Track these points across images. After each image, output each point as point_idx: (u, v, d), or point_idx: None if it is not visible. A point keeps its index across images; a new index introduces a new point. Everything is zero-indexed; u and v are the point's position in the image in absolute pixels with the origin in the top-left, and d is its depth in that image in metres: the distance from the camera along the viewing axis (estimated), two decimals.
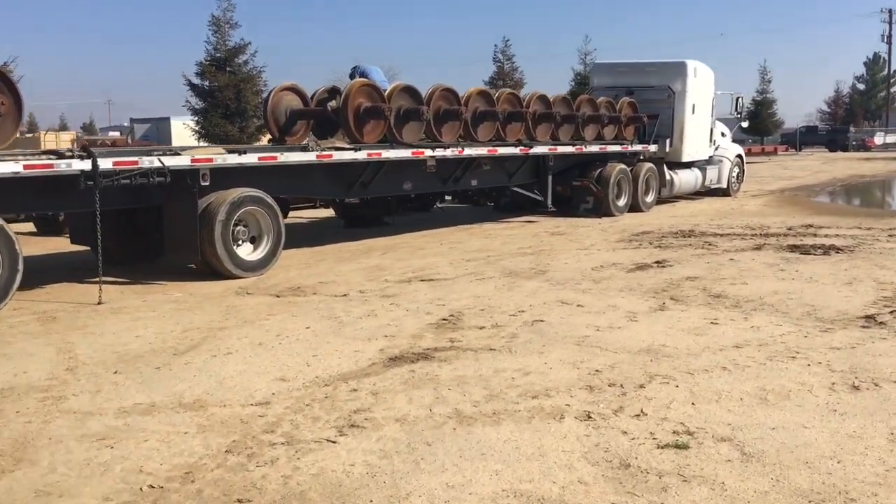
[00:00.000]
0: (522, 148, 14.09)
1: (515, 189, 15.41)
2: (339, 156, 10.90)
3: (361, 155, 11.18)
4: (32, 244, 11.82)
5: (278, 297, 8.35)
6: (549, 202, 15.51)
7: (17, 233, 11.88)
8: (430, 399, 5.00)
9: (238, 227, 9.58)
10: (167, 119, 37.93)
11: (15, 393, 5.22)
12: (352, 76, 12.95)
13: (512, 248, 11.64)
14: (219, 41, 32.98)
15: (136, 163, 8.57)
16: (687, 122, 18.01)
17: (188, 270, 9.54)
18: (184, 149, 9.70)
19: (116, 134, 43.19)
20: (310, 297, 8.30)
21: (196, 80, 32.49)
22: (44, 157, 8.08)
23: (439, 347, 6.17)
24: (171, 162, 8.88)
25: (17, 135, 8.31)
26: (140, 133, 41.18)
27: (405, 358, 5.89)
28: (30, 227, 13.75)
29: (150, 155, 8.81)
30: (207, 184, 9.35)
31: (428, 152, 12.22)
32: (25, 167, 7.72)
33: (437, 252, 11.35)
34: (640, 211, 16.81)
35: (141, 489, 3.77)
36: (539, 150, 14.56)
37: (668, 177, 18.14)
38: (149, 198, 9.16)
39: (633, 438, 4.32)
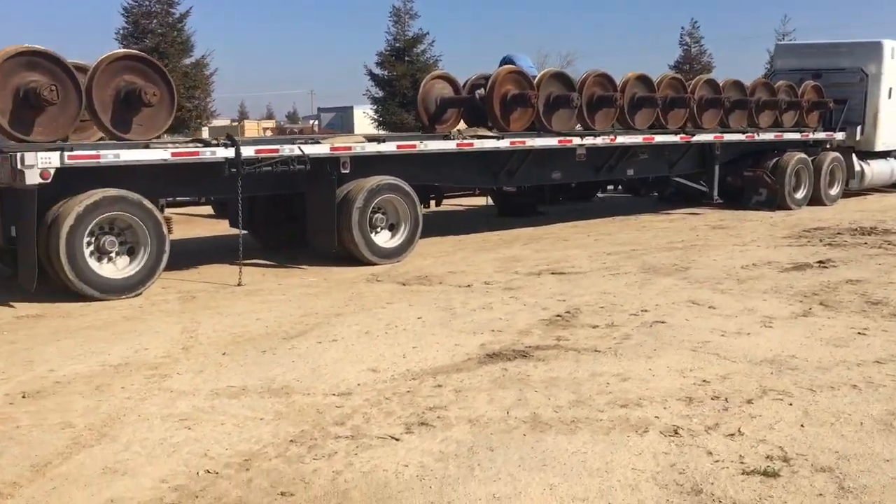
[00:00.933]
0: (683, 136, 13.31)
1: (678, 179, 14.63)
2: (480, 144, 10.77)
3: (504, 143, 10.99)
4: (205, 225, 12.58)
5: (404, 285, 8.38)
6: (716, 194, 14.58)
7: (197, 215, 12.97)
8: (511, 400, 4.77)
9: (376, 215, 9.72)
10: (350, 108, 39.47)
11: (129, 369, 5.53)
12: (501, 65, 12.76)
13: (661, 241, 11.03)
14: (398, 31, 33.83)
15: (276, 151, 8.88)
16: (881, 108, 16.32)
17: (331, 256, 9.78)
18: (325, 137, 9.95)
19: (314, 122, 45.50)
20: (434, 286, 8.26)
21: (376, 70, 33.53)
22: (191, 144, 8.55)
23: (542, 346, 5.90)
24: (310, 150, 9.12)
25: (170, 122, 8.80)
26: (326, 121, 43.16)
27: (503, 355, 5.69)
28: (209, 209, 14.71)
29: (292, 143, 9.09)
30: (348, 171, 9.55)
31: (576, 140, 11.83)
32: (173, 154, 8.20)
33: (581, 244, 10.97)
34: (823, 204, 15.46)
35: (197, 473, 3.84)
36: (703, 137, 13.70)
37: (857, 167, 16.56)
38: (294, 185, 9.46)
39: (716, 461, 3.89)
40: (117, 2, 28.67)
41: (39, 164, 7.35)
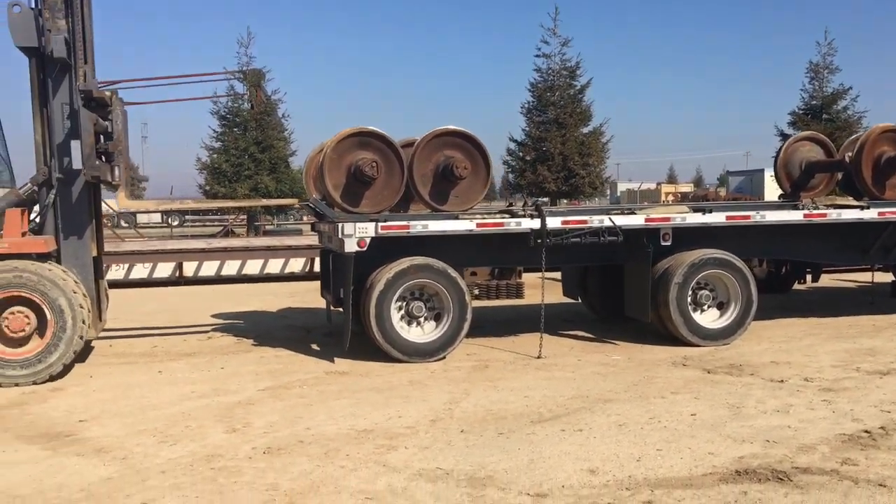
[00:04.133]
0: None
1: None
2: (836, 215, 9.23)
3: (870, 214, 9.28)
4: (555, 290, 12.65)
5: (708, 373, 7.44)
6: None
7: (551, 279, 13.16)
8: None
9: (702, 292, 8.87)
10: (761, 171, 37.01)
11: (368, 436, 5.68)
12: None
13: None
14: (815, 88, 31.10)
15: (585, 222, 8.60)
16: None
17: (655, 333, 9.14)
18: (641, 207, 9.37)
19: (714, 188, 43.84)
20: (741, 377, 7.20)
21: (788, 131, 31.14)
22: (497, 216, 8.68)
23: (815, 468, 4.74)
24: (623, 221, 8.68)
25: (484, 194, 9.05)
26: (734, 185, 41.07)
27: (755, 474, 4.68)
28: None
29: (602, 214, 8.74)
30: (668, 243, 8.88)
31: None
32: (479, 225, 8.40)
33: None
34: None
35: None
36: None
37: None
38: (612, 256, 9.08)
39: None
40: (525, 80, 30.84)
41: (357, 234, 8.06)
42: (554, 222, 8.52)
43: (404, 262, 8.22)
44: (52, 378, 7.47)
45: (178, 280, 16.13)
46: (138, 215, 43.61)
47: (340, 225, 8.08)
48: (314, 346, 9.11)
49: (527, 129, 31.26)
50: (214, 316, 11.57)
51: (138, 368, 8.12)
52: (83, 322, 7.56)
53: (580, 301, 11.06)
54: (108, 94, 8.04)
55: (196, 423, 6.04)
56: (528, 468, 4.94)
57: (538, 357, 8.26)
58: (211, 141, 30.34)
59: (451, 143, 8.82)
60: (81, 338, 7.59)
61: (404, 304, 8.32)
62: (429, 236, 8.30)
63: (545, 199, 29.93)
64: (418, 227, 8.25)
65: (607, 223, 8.61)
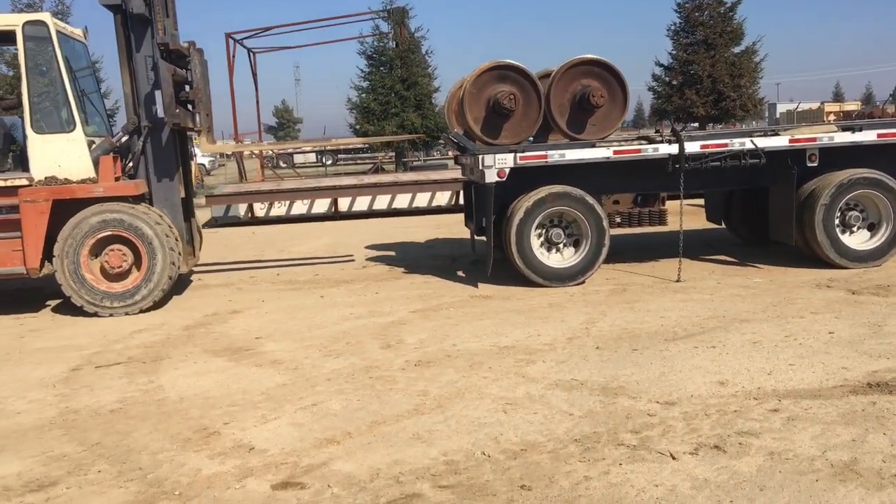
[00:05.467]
0: None
1: None
2: None
3: None
4: (698, 217, 12.54)
5: (853, 293, 7.38)
6: None
7: (694, 205, 13.09)
8: (841, 440, 4.05)
9: (852, 213, 8.65)
10: None
11: (509, 352, 6.13)
12: None
13: None
14: None
15: (725, 145, 8.55)
16: None
17: (800, 257, 9.04)
18: (785, 128, 9.13)
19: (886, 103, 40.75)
20: (888, 297, 7.11)
21: None
22: (634, 142, 8.77)
23: None
24: (765, 143, 8.56)
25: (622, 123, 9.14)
26: None
27: (886, 387, 4.77)
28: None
29: (744, 137, 8.64)
30: (815, 165, 8.69)
31: None
32: (615, 152, 8.54)
33: None
34: None
35: (475, 454, 4.22)
36: None
37: None
38: (756, 179, 8.98)
39: None
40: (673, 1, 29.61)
41: (497, 165, 8.42)
42: (692, 147, 8.52)
43: (543, 191, 8.51)
44: (150, 308, 8.32)
45: (333, 214, 17.20)
46: (295, 155, 45.79)
47: (480, 157, 8.46)
48: (459, 273, 9.64)
49: (673, 51, 30.20)
50: (367, 247, 12.33)
51: (303, 294, 8.93)
52: (174, 257, 8.37)
53: (724, 226, 10.99)
54: (186, 45, 8.71)
55: (355, 340, 6.70)
56: (658, 380, 5.23)
57: (677, 280, 8.40)
58: (359, 81, 31.32)
59: (588, 71, 8.94)
60: (173, 272, 8.41)
61: (544, 231, 8.64)
62: (566, 165, 8.53)
63: (694, 125, 29.01)
64: (555, 156, 8.50)
65: (748, 146, 8.52)
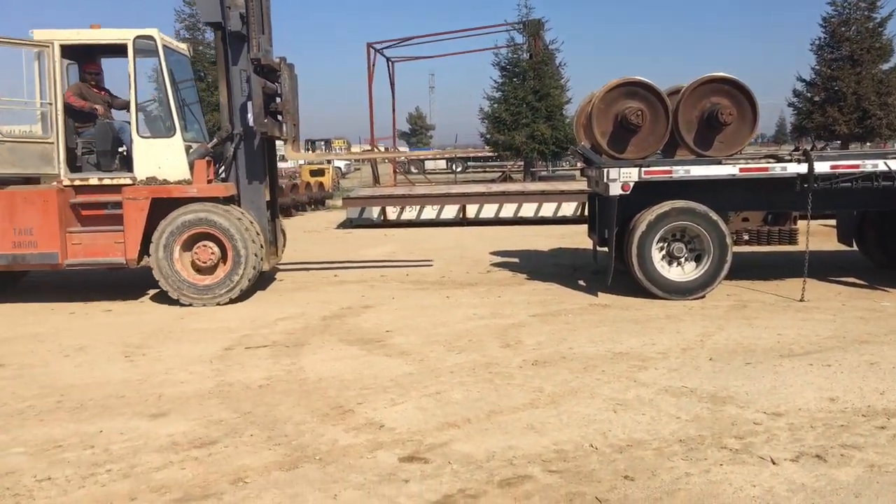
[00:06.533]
0: None
1: None
2: None
3: None
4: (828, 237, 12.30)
5: None
6: None
7: (827, 226, 12.81)
8: None
9: None
10: None
11: (623, 357, 6.40)
12: None
13: None
14: None
15: (856, 166, 8.49)
16: None
17: None
18: None
19: None
20: None
21: None
22: (762, 161, 8.80)
23: None
24: None
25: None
26: None
27: None
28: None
29: (876, 158, 8.54)
30: None
31: None
32: (742, 170, 8.62)
33: None
34: None
35: (584, 446, 4.57)
36: None
37: None
38: (889, 202, 8.85)
39: None
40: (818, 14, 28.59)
41: (621, 178, 8.69)
42: (822, 167, 8.50)
43: (666, 206, 8.70)
44: (235, 300, 9.02)
45: (461, 220, 17.78)
46: (426, 162, 47.03)
47: (606, 170, 8.74)
48: (580, 282, 9.93)
49: (816, 67, 29.14)
50: (492, 253, 12.78)
51: (429, 294, 9.47)
52: (256, 256, 9.05)
53: (855, 248, 10.78)
54: (277, 60, 9.43)
55: (477, 339, 7.15)
56: (768, 392, 5.40)
57: (800, 300, 8.40)
58: (492, 91, 31.91)
59: (718, 89, 9.05)
60: (255, 268, 9.09)
61: (665, 244, 8.82)
62: (691, 181, 8.69)
63: (836, 143, 27.89)
64: (680, 171, 8.68)
65: (881, 167, 8.42)
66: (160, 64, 9.13)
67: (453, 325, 7.71)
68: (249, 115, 9.28)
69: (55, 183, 9.02)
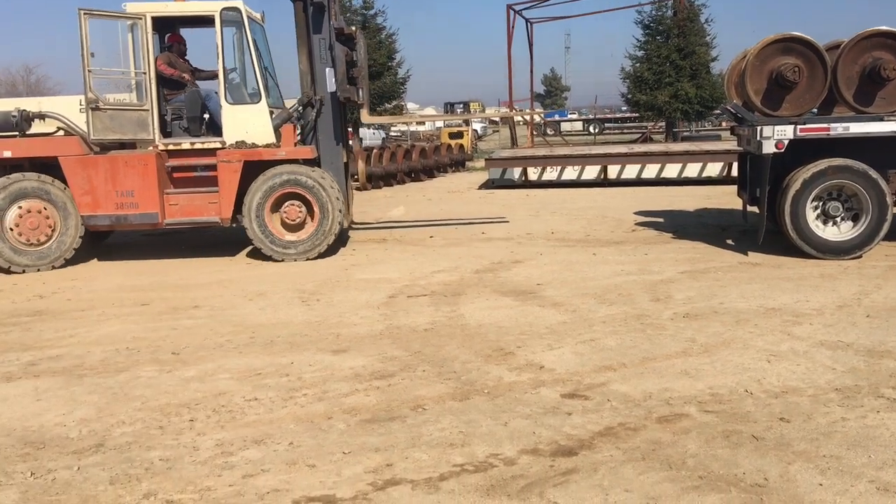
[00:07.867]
0: None
1: None
2: None
3: None
4: None
5: None
6: None
7: None
8: None
9: None
10: None
11: (775, 313, 6.47)
12: None
13: None
14: None
15: None
16: None
17: None
18: None
19: None
20: None
21: None
22: None
23: None
24: None
25: None
26: None
27: None
28: None
29: None
30: None
31: None
32: None
33: None
34: None
35: (744, 390, 4.78)
36: None
37: None
38: None
39: None
40: None
41: (775, 136, 8.62)
42: None
43: (822, 164, 8.56)
44: (321, 255, 9.61)
45: (602, 181, 17.82)
46: (562, 124, 46.75)
47: (759, 128, 8.67)
48: (729, 241, 9.92)
49: None
50: (636, 213, 12.85)
51: (576, 251, 9.74)
52: (339, 213, 9.58)
53: None
54: (353, 29, 9.89)
55: (626, 292, 7.39)
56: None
57: None
58: (634, 50, 31.34)
59: (881, 44, 8.75)
60: (340, 224, 9.64)
61: (820, 203, 8.69)
62: (849, 138, 8.49)
63: None
64: (839, 129, 8.50)
65: None
66: (245, 33, 9.78)
67: (602, 280, 7.97)
68: (332, 81, 9.84)
69: (151, 147, 9.80)
